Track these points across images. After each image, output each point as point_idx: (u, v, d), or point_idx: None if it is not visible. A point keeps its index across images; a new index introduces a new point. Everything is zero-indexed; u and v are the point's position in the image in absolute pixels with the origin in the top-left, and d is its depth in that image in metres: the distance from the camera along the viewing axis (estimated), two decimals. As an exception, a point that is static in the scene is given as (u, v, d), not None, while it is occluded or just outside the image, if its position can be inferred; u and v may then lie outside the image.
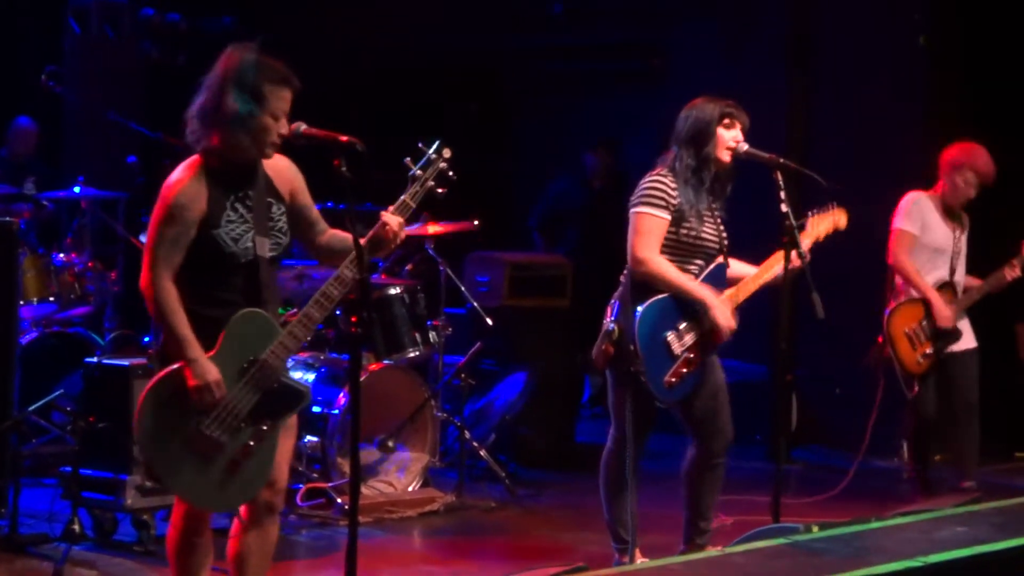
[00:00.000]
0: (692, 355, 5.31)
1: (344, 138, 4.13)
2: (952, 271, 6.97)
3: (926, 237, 6.91)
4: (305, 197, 4.37)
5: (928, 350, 6.88)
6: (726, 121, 5.36)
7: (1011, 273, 6.97)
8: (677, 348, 5.28)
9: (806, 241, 5.55)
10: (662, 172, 5.35)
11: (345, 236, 4.32)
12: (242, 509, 4.33)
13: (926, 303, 6.88)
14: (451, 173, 4.35)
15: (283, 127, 4.18)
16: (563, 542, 6.42)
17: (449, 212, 7.53)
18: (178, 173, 4.16)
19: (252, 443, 4.12)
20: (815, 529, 4.53)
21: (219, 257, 4.13)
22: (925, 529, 4.25)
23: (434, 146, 4.35)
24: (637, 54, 10.40)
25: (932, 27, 8.71)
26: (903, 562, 3.63)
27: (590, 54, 10.67)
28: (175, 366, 4.09)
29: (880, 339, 6.94)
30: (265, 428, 4.14)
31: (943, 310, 6.84)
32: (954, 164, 6.95)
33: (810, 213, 5.72)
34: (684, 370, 5.30)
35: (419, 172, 4.32)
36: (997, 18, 8.72)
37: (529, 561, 5.93)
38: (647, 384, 5.23)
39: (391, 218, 4.23)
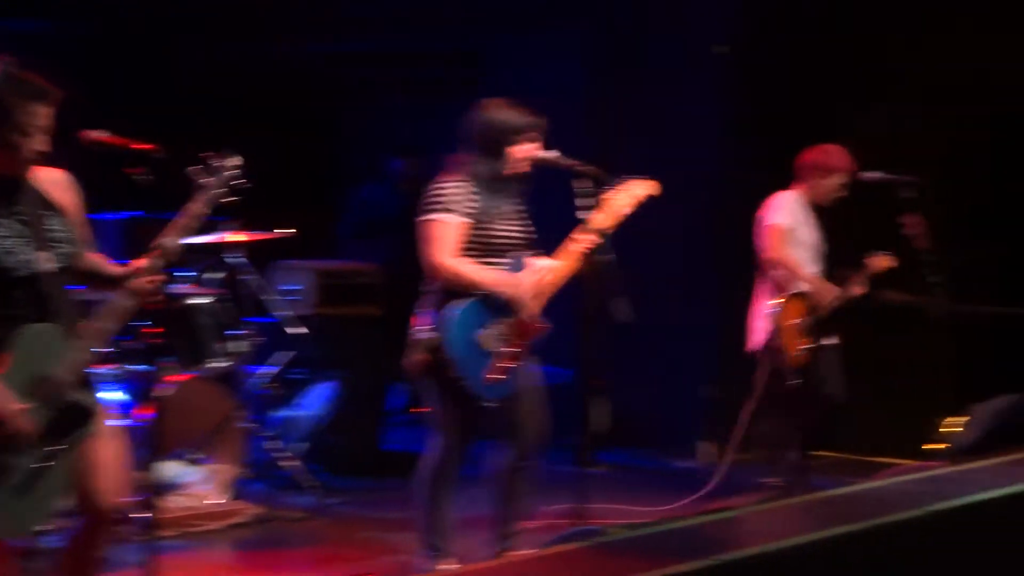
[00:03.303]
0: (511, 351, 5.35)
1: (140, 145, 4.07)
2: (822, 271, 7.12)
3: (799, 233, 7.01)
4: (79, 214, 4.26)
5: (806, 344, 6.98)
6: (526, 134, 5.39)
7: (858, 290, 7.12)
8: (493, 345, 5.31)
9: (607, 218, 5.53)
10: (453, 177, 5.36)
11: (94, 260, 4.28)
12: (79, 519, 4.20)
13: (804, 300, 6.98)
14: (239, 181, 4.33)
15: (39, 143, 4.06)
16: (372, 550, 6.40)
17: (259, 220, 7.45)
18: None
19: (42, 464, 3.99)
20: (619, 531, 4.60)
21: None
22: (723, 528, 4.34)
23: (221, 155, 4.34)
24: (450, 62, 10.43)
25: (730, 35, 8.94)
26: (700, 561, 3.71)
27: (404, 61, 10.67)
28: None
29: (764, 335, 6.99)
30: (56, 448, 4.01)
31: (824, 297, 6.99)
32: (823, 170, 7.06)
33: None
34: (505, 366, 5.33)
35: (207, 181, 4.29)
36: (795, 26, 8.97)
37: (338, 570, 5.90)
38: (467, 386, 5.24)
39: (145, 281, 4.13)
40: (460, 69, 10.31)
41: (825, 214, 7.20)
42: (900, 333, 8.74)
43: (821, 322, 7.01)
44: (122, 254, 7.32)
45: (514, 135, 5.37)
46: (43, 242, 4.08)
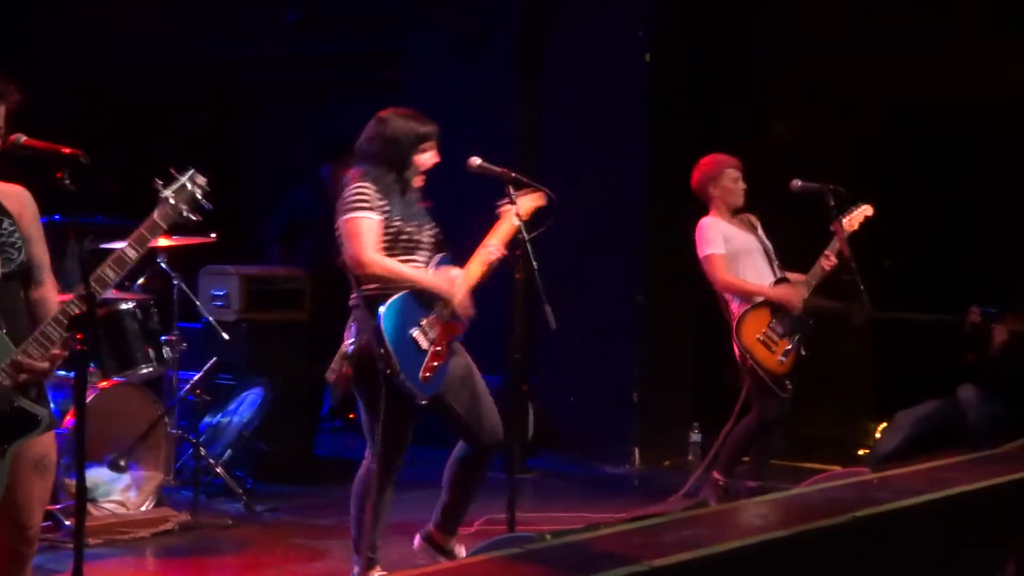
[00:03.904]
0: (439, 348, 5.37)
1: (67, 150, 3.97)
2: (777, 271, 7.03)
3: (731, 248, 6.96)
4: (35, 230, 4.11)
5: (787, 346, 6.88)
6: (423, 145, 5.42)
7: (827, 263, 6.96)
8: (424, 343, 5.32)
9: (507, 221, 5.57)
10: (361, 182, 5.36)
11: (52, 307, 4.09)
12: None
13: (768, 305, 6.91)
14: (205, 201, 4.27)
15: None
16: (301, 557, 6.37)
17: (182, 225, 7.37)
18: None
19: None
20: (548, 537, 4.61)
21: None
22: (653, 534, 4.35)
23: (188, 173, 4.27)
24: (371, 63, 10.41)
25: (656, 43, 9.00)
26: (629, 567, 3.72)
27: (324, 63, 10.64)
28: None
29: (737, 355, 6.90)
30: None
31: (791, 297, 6.89)
32: (712, 176, 7.04)
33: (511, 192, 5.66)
34: (435, 363, 5.35)
35: (171, 195, 4.21)
36: (717, 36, 9.07)
37: (266, 578, 5.87)
38: (405, 383, 5.22)
39: (41, 360, 3.90)
40: (383, 70, 10.30)
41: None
42: (825, 339, 8.84)
43: (800, 319, 6.93)
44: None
45: (418, 145, 5.41)
46: None
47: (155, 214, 4.19)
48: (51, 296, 4.19)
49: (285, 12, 10.05)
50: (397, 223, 5.35)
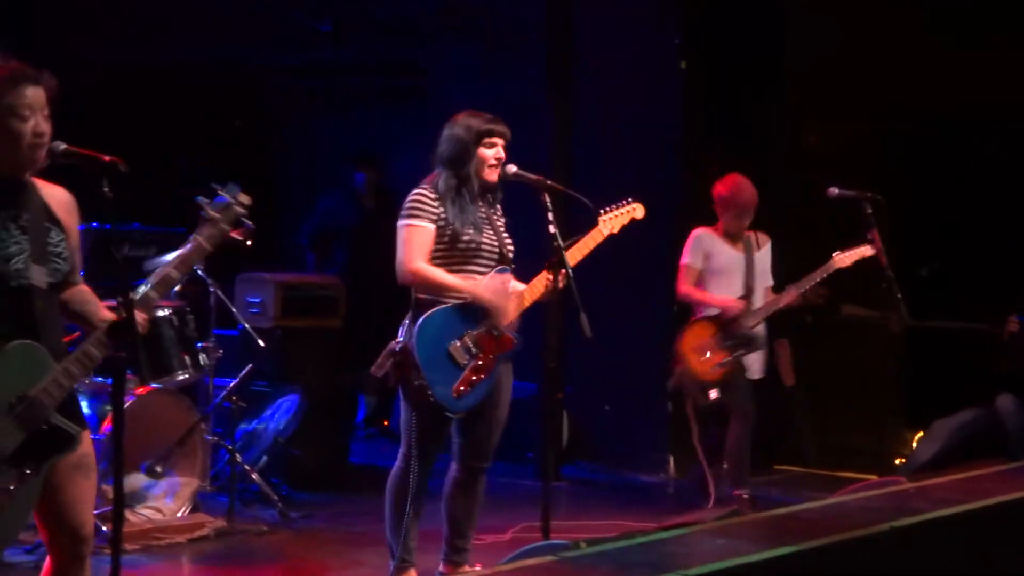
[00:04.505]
0: (482, 362, 5.35)
1: (107, 158, 3.97)
2: (749, 290, 7.33)
3: (711, 264, 7.37)
4: (75, 239, 4.10)
5: (724, 358, 7.20)
6: (486, 140, 5.42)
7: (787, 299, 7.25)
8: (463, 358, 5.30)
9: (605, 229, 5.66)
10: (424, 186, 5.41)
11: (88, 300, 4.13)
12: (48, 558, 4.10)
13: (718, 319, 7.23)
14: (248, 220, 4.22)
15: (40, 125, 3.90)
16: (335, 564, 6.38)
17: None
18: None
19: (12, 487, 3.83)
20: (583, 545, 4.61)
21: None
22: (687, 543, 4.36)
23: (230, 189, 4.21)
24: (400, 72, 10.44)
25: (689, 52, 8.97)
26: (664, 575, 3.73)
27: (354, 71, 10.67)
28: None
29: (675, 360, 7.26)
30: (29, 472, 3.85)
31: (733, 306, 7.21)
32: (722, 202, 7.42)
33: (602, 211, 5.74)
34: (475, 377, 5.33)
35: (214, 214, 4.16)
36: (749, 46, 9.04)
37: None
38: (433, 396, 5.24)
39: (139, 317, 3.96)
40: (412, 79, 10.32)
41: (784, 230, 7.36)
42: (861, 348, 8.79)
43: (748, 337, 7.22)
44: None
45: (479, 140, 5.41)
46: (42, 255, 3.93)
47: (202, 237, 4.13)
48: (85, 287, 4.19)
49: (316, 21, 10.07)
50: (452, 229, 5.35)
